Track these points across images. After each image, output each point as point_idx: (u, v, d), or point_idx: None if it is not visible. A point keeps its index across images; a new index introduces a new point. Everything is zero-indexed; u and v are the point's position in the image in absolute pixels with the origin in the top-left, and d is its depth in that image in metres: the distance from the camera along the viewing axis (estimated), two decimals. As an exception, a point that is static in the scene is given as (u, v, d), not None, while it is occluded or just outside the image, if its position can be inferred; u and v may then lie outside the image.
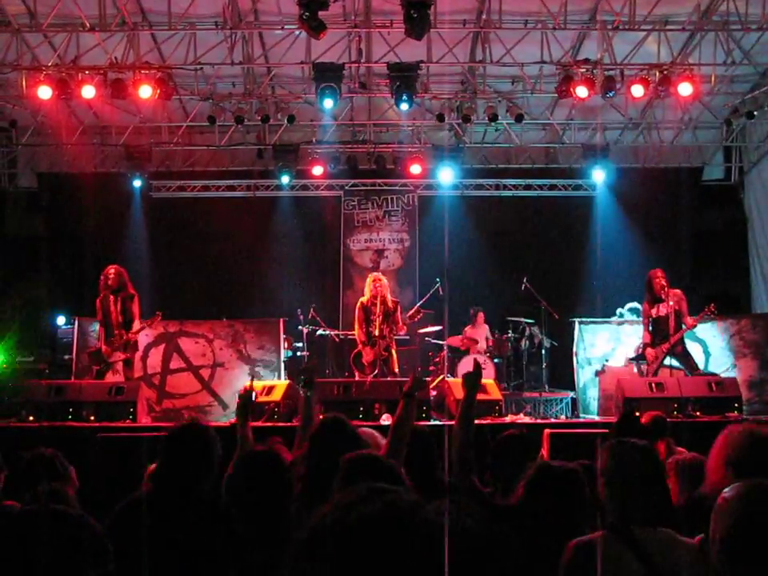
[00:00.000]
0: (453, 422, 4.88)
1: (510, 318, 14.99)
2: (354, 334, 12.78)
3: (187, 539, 3.96)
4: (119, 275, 11.92)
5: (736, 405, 10.96)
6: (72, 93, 13.07)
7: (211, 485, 4.29)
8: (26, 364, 14.19)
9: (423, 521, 1.81)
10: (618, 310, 14.55)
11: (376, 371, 12.05)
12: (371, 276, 12.71)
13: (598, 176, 16.57)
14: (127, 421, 10.73)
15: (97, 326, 12.44)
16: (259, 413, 10.64)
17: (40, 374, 13.69)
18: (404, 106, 13.51)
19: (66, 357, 14.02)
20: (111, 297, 11.85)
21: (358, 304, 12.57)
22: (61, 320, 15.83)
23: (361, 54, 13.82)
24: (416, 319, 12.67)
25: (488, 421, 10.45)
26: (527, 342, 14.87)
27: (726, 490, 2.82)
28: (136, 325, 11.91)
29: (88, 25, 12.72)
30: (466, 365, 14.07)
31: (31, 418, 10.68)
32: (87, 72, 13.06)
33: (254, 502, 4.09)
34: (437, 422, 10.30)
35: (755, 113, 14.94)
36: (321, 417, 5.21)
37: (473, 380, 4.92)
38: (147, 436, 8.77)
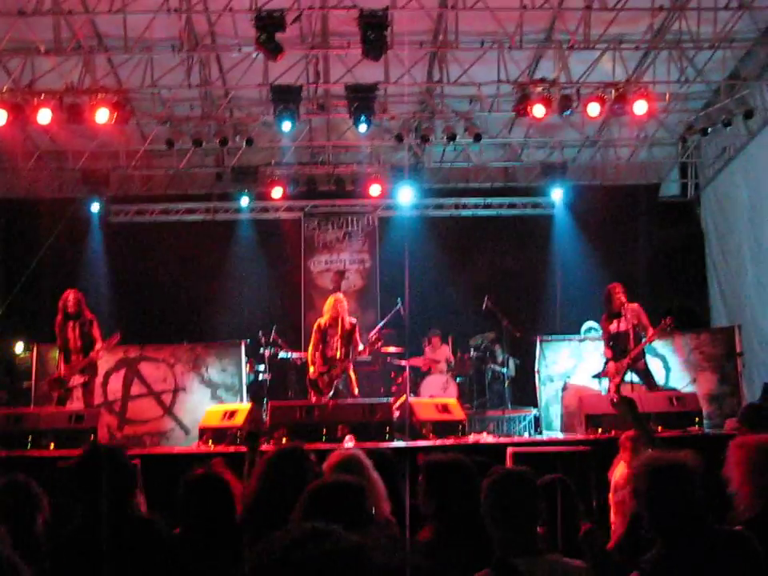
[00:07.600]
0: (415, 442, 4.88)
1: (472, 337, 15.00)
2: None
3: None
4: (78, 301, 11.76)
5: (696, 419, 11.04)
6: (28, 117, 12.92)
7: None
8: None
9: (365, 567, 1.74)
10: (584, 326, 14.48)
11: (332, 392, 11.94)
12: (333, 297, 12.46)
13: (557, 194, 16.72)
14: (88, 448, 10.55)
15: (57, 352, 12.22)
16: (221, 437, 10.58)
17: (-1, 401, 13.50)
18: (362, 127, 13.55)
19: (26, 384, 13.81)
20: (70, 323, 11.71)
21: (316, 325, 12.36)
22: (19, 346, 15.60)
23: (318, 76, 13.83)
24: (376, 346, 12.61)
25: (451, 440, 10.41)
26: (491, 360, 14.87)
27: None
28: (98, 346, 11.76)
29: (43, 49, 12.63)
30: (428, 385, 14.05)
31: (-12, 448, 10.48)
32: (43, 96, 12.89)
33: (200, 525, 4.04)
34: (400, 444, 10.25)
35: (709, 129, 15.09)
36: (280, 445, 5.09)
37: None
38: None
